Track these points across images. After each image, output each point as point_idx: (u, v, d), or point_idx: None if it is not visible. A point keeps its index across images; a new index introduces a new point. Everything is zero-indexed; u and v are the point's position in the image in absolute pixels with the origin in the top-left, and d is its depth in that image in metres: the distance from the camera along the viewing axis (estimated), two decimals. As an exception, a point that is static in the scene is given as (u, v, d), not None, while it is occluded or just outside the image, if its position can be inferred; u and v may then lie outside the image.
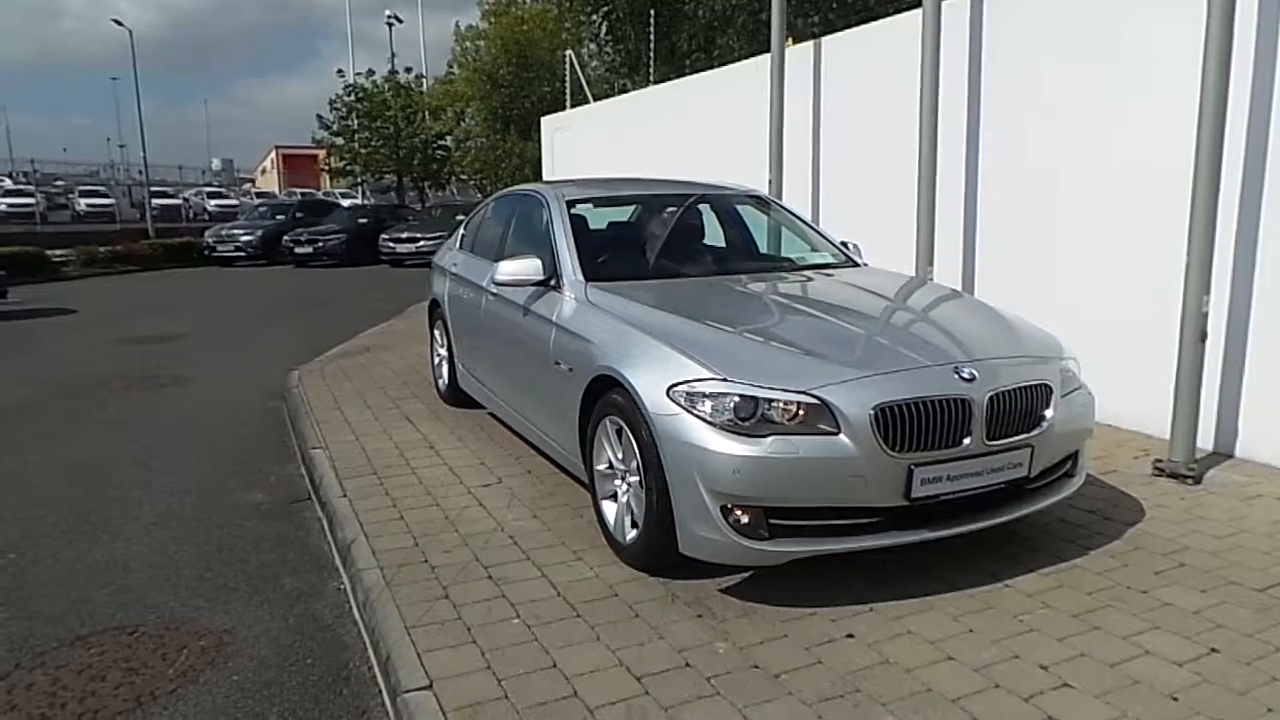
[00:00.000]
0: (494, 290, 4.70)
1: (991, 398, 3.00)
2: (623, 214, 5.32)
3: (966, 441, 2.96)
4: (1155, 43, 4.74)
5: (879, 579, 3.16)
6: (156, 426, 6.24)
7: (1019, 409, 3.08)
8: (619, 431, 3.34)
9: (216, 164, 71.50)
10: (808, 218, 5.78)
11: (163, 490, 4.80)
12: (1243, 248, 4.41)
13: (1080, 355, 3.63)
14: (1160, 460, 4.33)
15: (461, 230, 6.19)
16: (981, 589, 3.12)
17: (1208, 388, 4.33)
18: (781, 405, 2.90)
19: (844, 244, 4.92)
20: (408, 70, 33.18)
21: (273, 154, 63.57)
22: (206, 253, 22.22)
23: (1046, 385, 3.19)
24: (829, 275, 4.44)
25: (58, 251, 20.49)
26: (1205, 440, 4.48)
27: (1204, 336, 4.18)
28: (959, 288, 5.88)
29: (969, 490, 3.01)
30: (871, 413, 2.86)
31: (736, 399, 2.92)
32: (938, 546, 3.12)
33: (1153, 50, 4.76)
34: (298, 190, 44.88)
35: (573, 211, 4.56)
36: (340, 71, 32.28)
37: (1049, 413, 3.17)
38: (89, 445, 5.79)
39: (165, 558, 3.88)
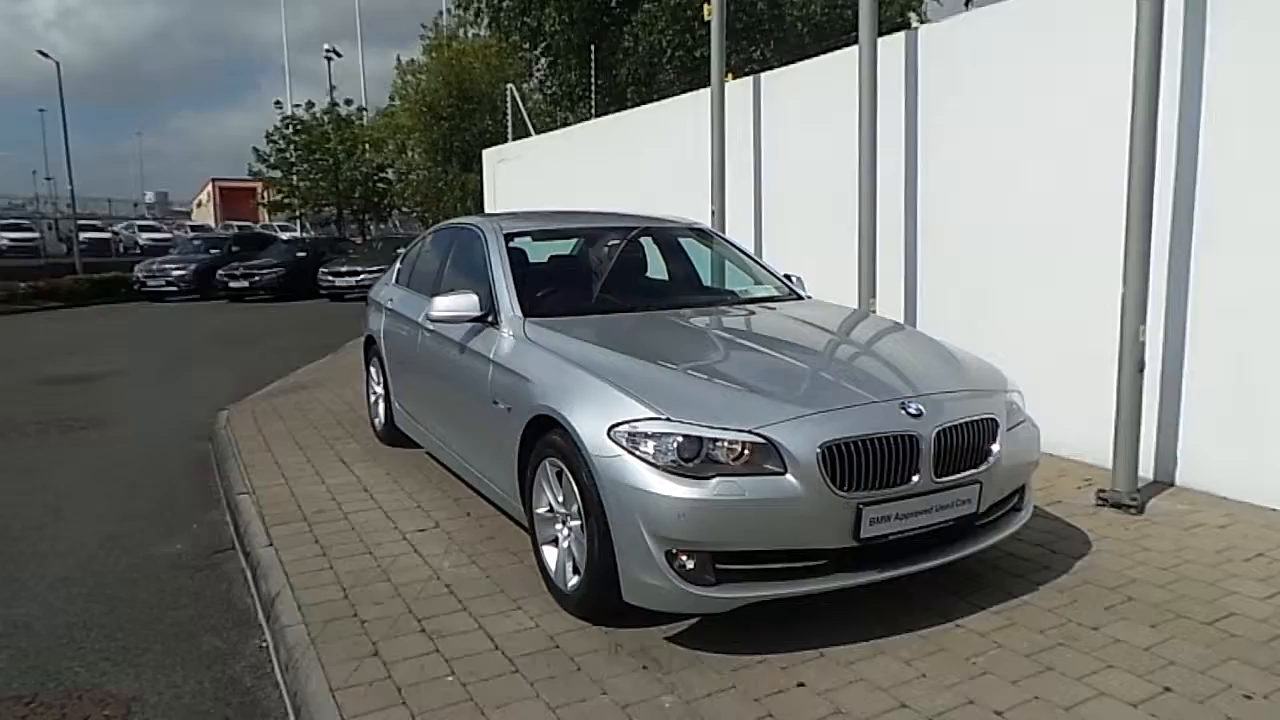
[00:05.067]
0: (430, 327, 4.54)
1: (939, 433, 2.95)
2: (563, 247, 5.23)
3: (915, 479, 2.90)
4: (1090, 79, 4.83)
5: (829, 622, 3.06)
6: (71, 472, 5.89)
7: (966, 444, 3.03)
8: (559, 474, 3.21)
9: (150, 197, 69.79)
10: (750, 250, 5.75)
11: (74, 542, 4.49)
12: (1175, 278, 4.49)
13: (1020, 385, 3.61)
14: (1104, 490, 4.34)
15: (398, 264, 6.02)
16: (933, 629, 3.04)
17: (1146, 417, 4.36)
18: (726, 445, 2.80)
19: (787, 276, 4.89)
20: (348, 103, 32.85)
21: (209, 187, 62.18)
22: (136, 288, 21.48)
23: (993, 419, 3.15)
24: (772, 309, 4.39)
25: (-25, 288, 19.60)
26: (1146, 469, 4.51)
27: (1142, 367, 4.22)
28: (901, 320, 5.91)
29: (918, 529, 2.95)
30: (819, 451, 2.78)
31: (680, 439, 2.81)
32: (887, 586, 3.04)
33: (1087, 87, 4.85)
34: (234, 223, 43.90)
35: (511, 245, 4.44)
36: (278, 103, 31.80)
37: (995, 447, 3.13)
38: (-5, 494, 5.43)
39: (72, 617, 3.61)
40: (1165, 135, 4.22)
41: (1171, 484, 4.58)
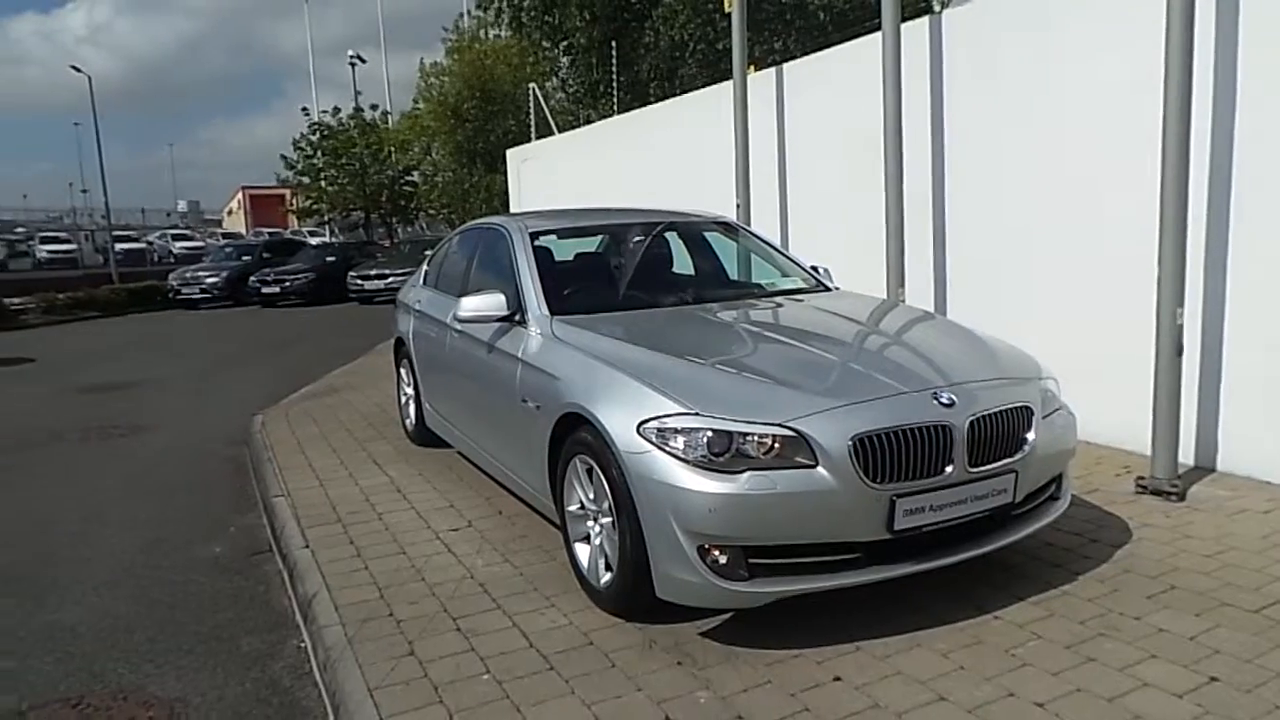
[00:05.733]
0: (459, 327, 4.57)
1: (972, 423, 2.90)
2: (589, 245, 5.23)
3: (949, 469, 2.86)
4: (1125, 56, 4.74)
5: (864, 615, 3.03)
6: (112, 478, 6.00)
7: (1000, 433, 2.99)
8: (589, 471, 3.21)
9: (182, 206, 71.02)
10: (777, 243, 5.71)
11: (115, 547, 4.58)
12: (1213, 257, 4.39)
13: (1055, 371, 3.55)
14: (1143, 478, 4.25)
15: (425, 266, 6.05)
16: (970, 621, 3.00)
17: (1186, 401, 4.27)
18: (757, 439, 2.78)
19: (814, 268, 4.84)
20: (373, 107, 33.14)
21: (240, 194, 63.06)
22: (171, 296, 21.88)
23: (1027, 407, 3.10)
24: (800, 301, 4.36)
25: (16, 300, 20.07)
26: (1186, 455, 4.42)
27: (1180, 350, 4.13)
28: (930, 308, 5.84)
29: (953, 520, 2.91)
30: (850, 443, 2.75)
31: (710, 434, 2.80)
32: (923, 578, 3.00)
33: (1123, 63, 4.76)
34: (265, 230, 44.49)
35: (536, 244, 4.45)
36: (305, 110, 32.18)
37: (1031, 435, 3.08)
38: (38, 501, 5.54)
39: (115, 620, 3.68)
40: (1199, 112, 4.12)
41: (1213, 469, 4.48)
